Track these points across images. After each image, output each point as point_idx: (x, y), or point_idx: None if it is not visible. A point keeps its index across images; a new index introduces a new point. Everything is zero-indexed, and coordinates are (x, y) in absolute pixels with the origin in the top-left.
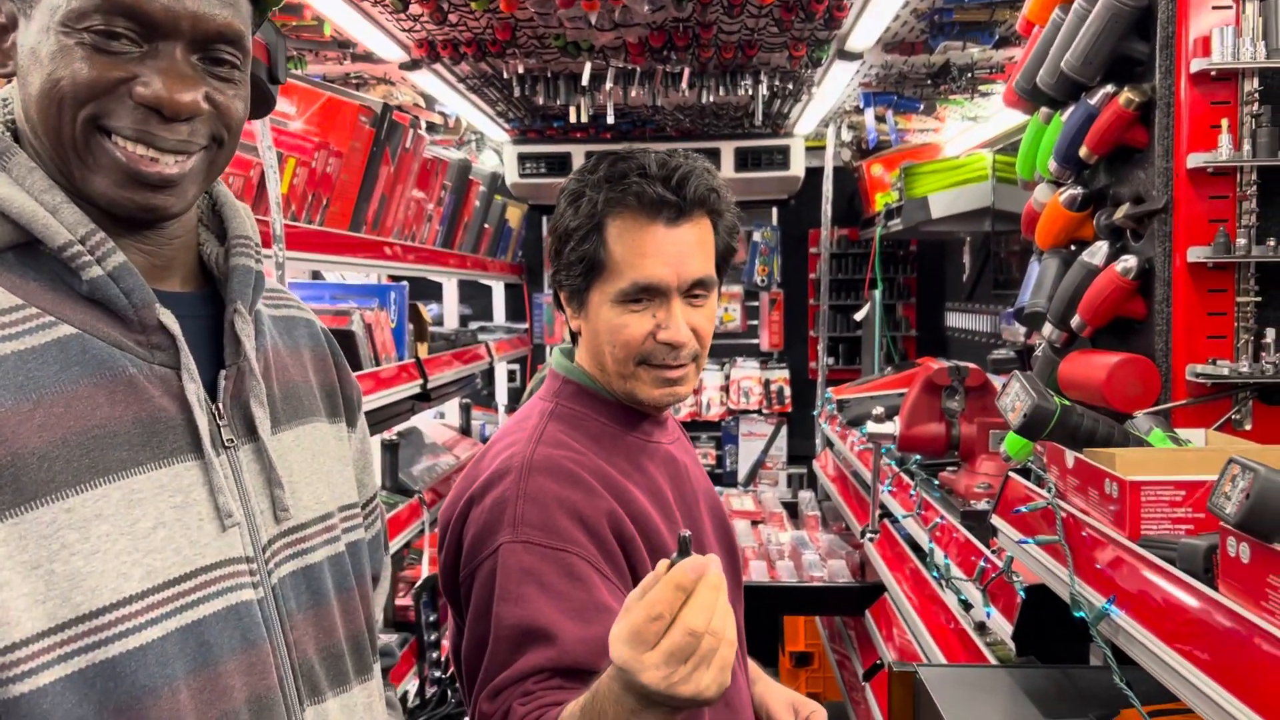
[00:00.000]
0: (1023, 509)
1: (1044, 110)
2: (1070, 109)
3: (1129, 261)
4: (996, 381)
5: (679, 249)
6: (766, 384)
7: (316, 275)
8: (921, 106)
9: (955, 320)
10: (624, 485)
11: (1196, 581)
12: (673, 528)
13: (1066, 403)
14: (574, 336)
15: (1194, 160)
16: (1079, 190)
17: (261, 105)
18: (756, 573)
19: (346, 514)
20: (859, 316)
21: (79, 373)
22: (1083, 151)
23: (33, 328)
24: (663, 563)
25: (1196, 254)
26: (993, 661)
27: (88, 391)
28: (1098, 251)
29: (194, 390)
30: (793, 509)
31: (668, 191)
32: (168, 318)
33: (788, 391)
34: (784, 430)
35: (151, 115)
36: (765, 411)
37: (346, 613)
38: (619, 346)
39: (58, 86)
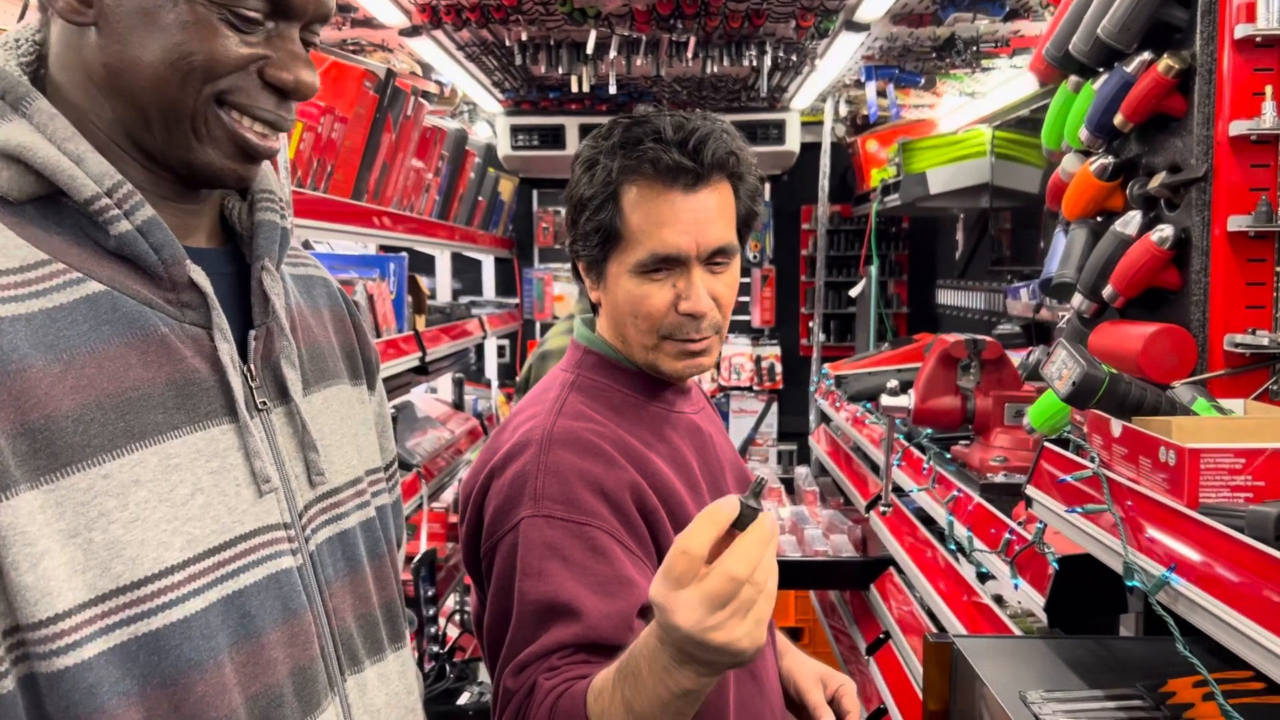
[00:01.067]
0: (1068, 478)
1: (1073, 79)
2: (1104, 77)
3: (1165, 231)
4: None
5: (697, 216)
6: (758, 361)
7: (305, 245)
8: (922, 81)
9: (947, 297)
10: (646, 456)
11: (1270, 548)
12: (698, 498)
13: (1114, 371)
14: (594, 307)
15: (1236, 128)
16: (1110, 160)
17: None
18: None
19: (373, 478)
20: (854, 293)
21: (110, 332)
22: (1118, 120)
23: (61, 284)
24: (727, 501)
25: (1237, 223)
26: (1017, 633)
27: (119, 351)
28: (1131, 221)
29: (227, 350)
30: (789, 484)
31: (684, 157)
32: (199, 275)
33: (779, 368)
34: (775, 407)
35: (273, 94)
36: (756, 388)
37: (379, 579)
38: (641, 318)
39: (189, 59)
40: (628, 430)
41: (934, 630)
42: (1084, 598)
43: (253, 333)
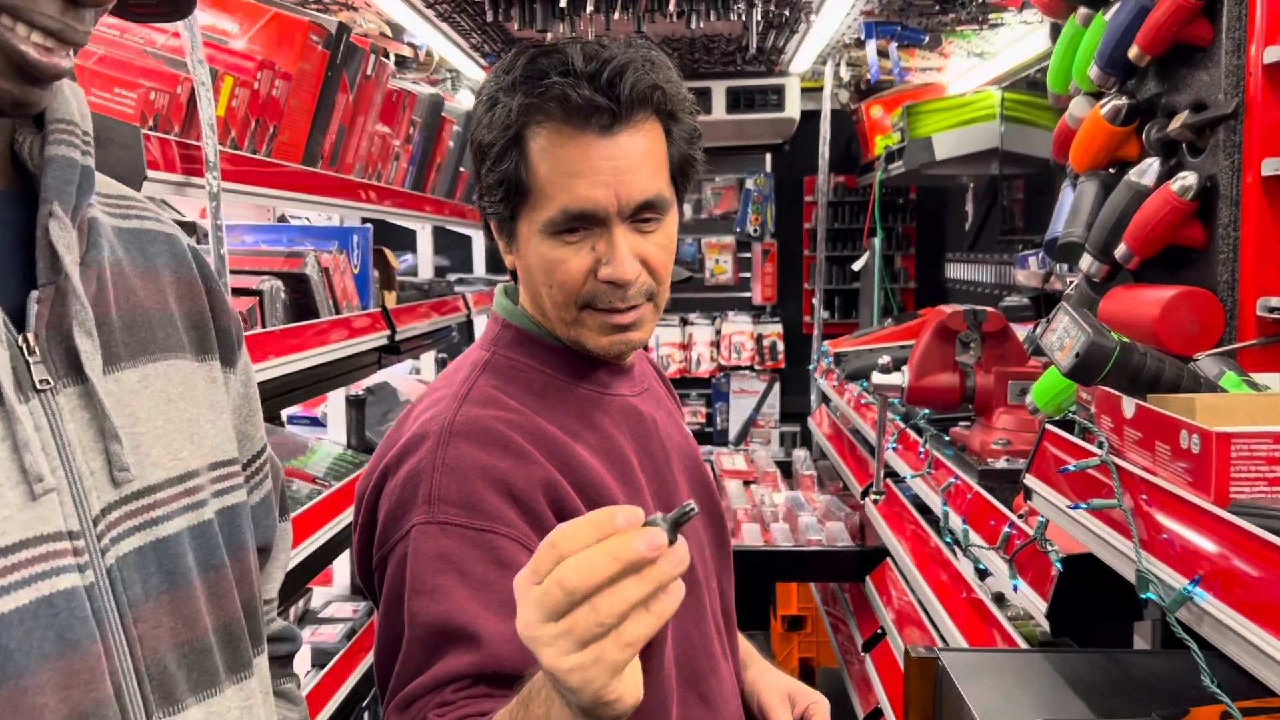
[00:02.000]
0: (1071, 467)
1: (1083, 11)
2: (1117, 5)
3: (1187, 179)
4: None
5: (617, 164)
6: (759, 339)
7: (281, 219)
8: (926, 39)
9: (956, 271)
10: (569, 449)
11: None
12: (634, 495)
13: (1125, 340)
14: (513, 274)
15: (1272, 54)
16: (1124, 101)
17: (182, 5)
18: (750, 536)
19: (220, 473)
20: (857, 266)
21: None
22: (1133, 52)
23: None
24: (630, 510)
25: (1273, 166)
26: (1015, 637)
27: None
28: (1148, 170)
29: None
30: (786, 468)
31: (597, 92)
32: None
33: (781, 347)
34: (777, 387)
35: None
36: (757, 368)
37: (215, 596)
38: (556, 288)
39: None
40: (548, 418)
41: (932, 630)
42: (1092, 603)
43: (35, 294)
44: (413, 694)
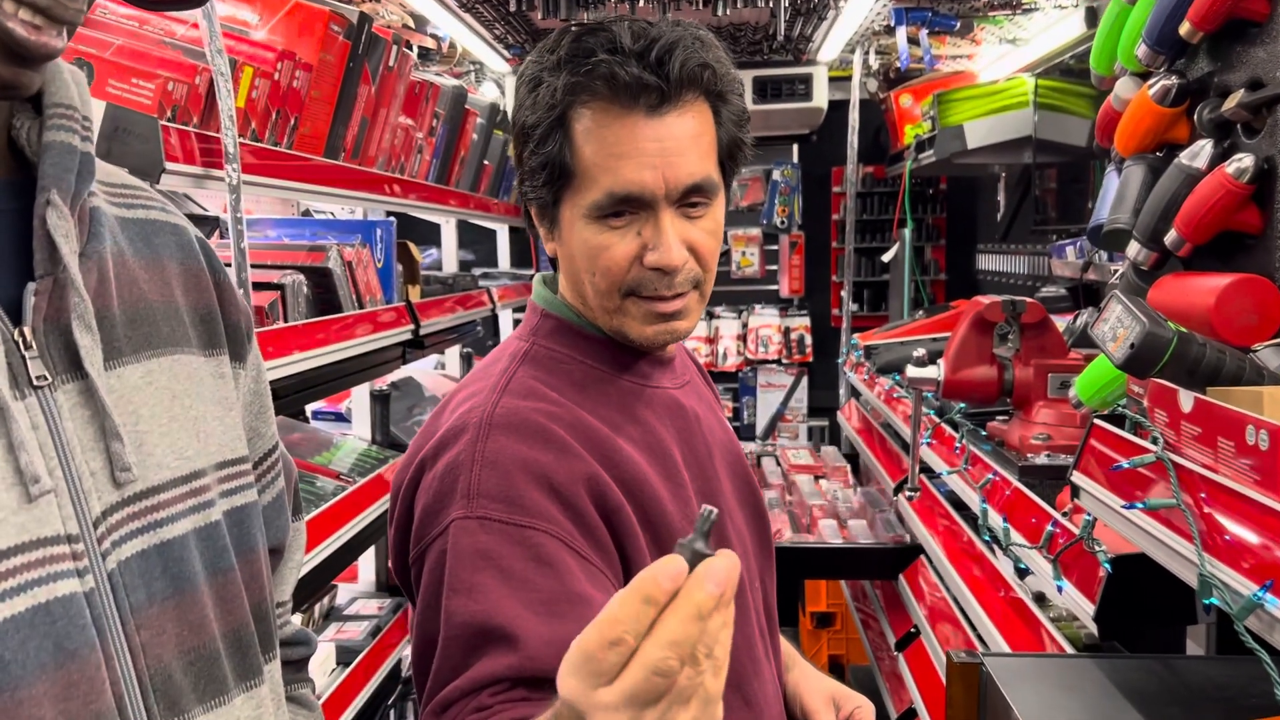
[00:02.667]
0: (1123, 464)
1: None
2: None
3: (1243, 161)
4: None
5: (664, 145)
6: (786, 332)
7: (305, 214)
8: (958, 25)
9: (988, 262)
10: (612, 442)
11: None
12: (678, 491)
13: (1183, 330)
14: (554, 262)
15: None
16: (1173, 81)
17: None
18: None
19: (228, 472)
20: (887, 258)
21: None
22: (1184, 28)
23: None
24: (671, 563)
25: None
26: (1059, 639)
27: None
28: (1200, 152)
29: None
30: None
31: (645, 71)
32: None
33: (809, 340)
34: (804, 381)
35: None
36: (785, 361)
37: (224, 600)
38: (599, 275)
39: None
40: (590, 410)
41: (968, 630)
42: (1143, 605)
43: (32, 286)
44: (449, 697)
